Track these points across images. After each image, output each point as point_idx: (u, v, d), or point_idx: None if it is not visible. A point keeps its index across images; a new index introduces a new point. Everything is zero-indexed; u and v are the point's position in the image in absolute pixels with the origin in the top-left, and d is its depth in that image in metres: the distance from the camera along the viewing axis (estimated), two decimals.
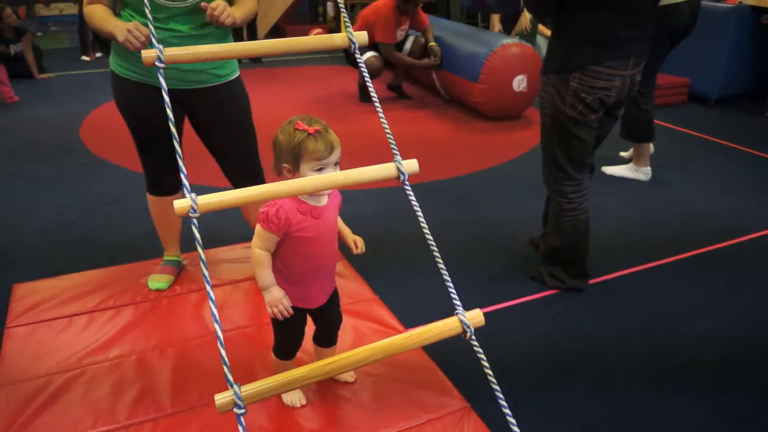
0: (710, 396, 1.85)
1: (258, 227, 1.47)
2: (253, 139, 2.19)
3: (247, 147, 2.19)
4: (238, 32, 5.81)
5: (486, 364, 1.02)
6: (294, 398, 1.72)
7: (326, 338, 1.77)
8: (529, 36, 5.42)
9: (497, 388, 0.96)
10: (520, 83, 4.38)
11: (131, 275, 2.36)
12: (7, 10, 5.67)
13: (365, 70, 1.29)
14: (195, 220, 0.96)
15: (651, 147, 3.53)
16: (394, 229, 2.88)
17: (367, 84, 1.25)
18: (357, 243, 1.63)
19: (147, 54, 1.11)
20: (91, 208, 3.10)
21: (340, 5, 1.31)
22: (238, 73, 2.14)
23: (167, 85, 2.00)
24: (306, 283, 1.55)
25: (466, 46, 4.65)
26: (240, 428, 0.85)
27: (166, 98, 1.09)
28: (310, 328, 1.72)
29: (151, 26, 1.24)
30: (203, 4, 1.84)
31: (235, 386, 0.91)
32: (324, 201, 1.51)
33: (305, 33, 7.61)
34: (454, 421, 1.67)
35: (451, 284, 1.15)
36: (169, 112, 1.08)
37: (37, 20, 9.32)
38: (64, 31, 7.23)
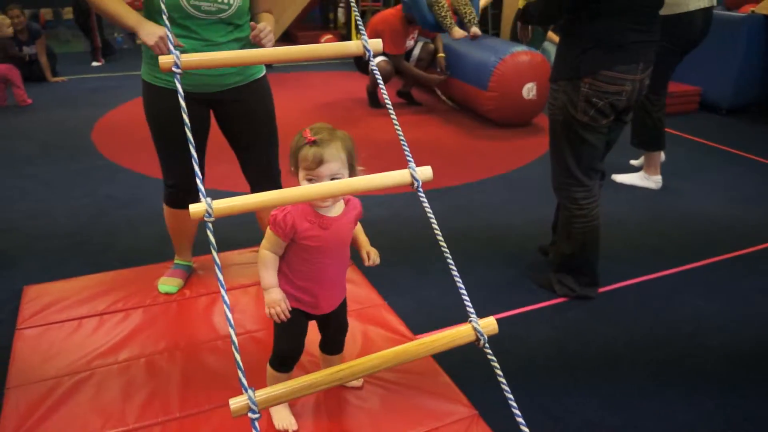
0: (722, 407, 1.83)
1: (268, 229, 1.48)
2: (274, 138, 2.21)
3: (268, 146, 2.21)
4: None
5: (499, 372, 1.01)
6: (285, 422, 1.66)
7: (333, 346, 1.76)
8: (536, 41, 5.43)
9: (510, 396, 0.96)
10: (529, 91, 4.38)
11: (141, 278, 2.37)
12: (14, 10, 5.70)
13: (379, 77, 1.29)
14: (210, 225, 0.97)
15: (662, 155, 3.51)
16: (403, 235, 2.88)
17: (381, 90, 1.26)
18: (370, 255, 1.59)
19: (164, 60, 1.12)
20: (102, 211, 3.12)
21: (355, 14, 1.31)
22: (264, 72, 2.16)
23: (196, 89, 2.04)
24: (311, 290, 1.54)
25: (476, 54, 4.65)
26: None
27: (183, 104, 1.09)
28: (311, 340, 1.73)
29: (170, 33, 1.25)
30: (252, 23, 1.91)
31: (249, 390, 0.91)
32: (336, 211, 1.49)
33: (316, 39, 7.64)
34: (462, 428, 1.66)
35: (464, 291, 1.14)
36: (185, 116, 1.09)
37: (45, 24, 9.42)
38: (77, 35, 7.30)
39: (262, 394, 0.91)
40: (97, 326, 2.09)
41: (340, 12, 8.82)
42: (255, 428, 0.84)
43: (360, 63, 5.33)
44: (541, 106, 4.54)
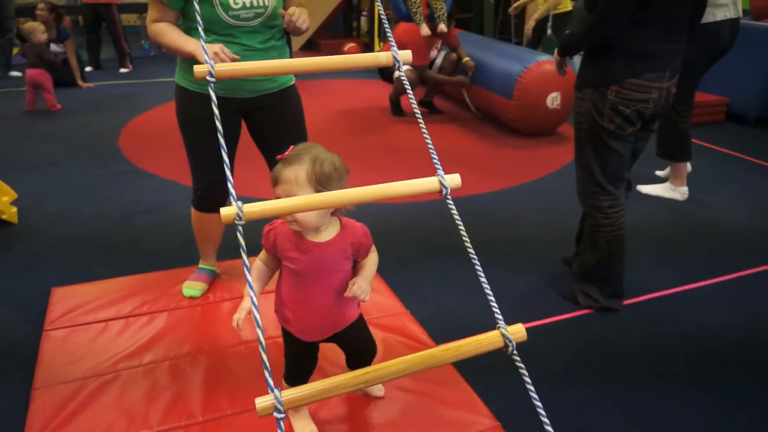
0: (749, 422, 1.80)
1: None
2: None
3: None
4: None
5: (528, 380, 1.01)
6: (306, 430, 1.65)
7: (354, 366, 1.73)
8: (550, 46, 5.40)
9: (539, 404, 0.95)
10: (553, 100, 4.36)
11: (166, 282, 2.40)
12: (40, 5, 5.84)
13: (408, 85, 1.30)
14: (240, 228, 0.98)
15: (688, 166, 3.47)
16: (425, 243, 2.87)
17: (409, 97, 1.26)
18: (353, 284, 1.43)
19: (199, 69, 1.14)
20: (128, 215, 3.16)
21: (385, 25, 1.32)
22: (294, 80, 2.19)
23: (229, 94, 2.06)
24: (297, 315, 1.50)
25: (500, 63, 4.64)
26: None
27: (216, 111, 1.10)
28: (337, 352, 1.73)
29: (202, 41, 1.27)
30: (281, 10, 1.94)
31: (275, 390, 0.92)
32: (323, 237, 1.42)
33: (339, 47, 7.70)
34: None
35: (492, 297, 1.14)
36: (218, 124, 1.10)
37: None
38: (107, 42, 7.43)
39: (288, 394, 0.92)
40: (123, 329, 2.11)
41: (363, 21, 8.87)
42: (280, 428, 0.85)
43: (384, 72, 5.35)
44: (565, 115, 4.51)
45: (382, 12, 1.40)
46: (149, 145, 4.33)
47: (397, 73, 1.35)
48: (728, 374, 2.01)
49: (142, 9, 9.13)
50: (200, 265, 2.42)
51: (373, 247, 1.52)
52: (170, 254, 2.72)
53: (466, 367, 1.87)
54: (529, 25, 5.95)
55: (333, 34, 8.87)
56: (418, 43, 4.73)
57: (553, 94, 4.35)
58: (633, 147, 2.21)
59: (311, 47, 8.09)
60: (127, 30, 8.42)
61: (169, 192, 3.45)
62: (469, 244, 1.15)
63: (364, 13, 8.77)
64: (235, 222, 0.99)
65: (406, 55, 1.28)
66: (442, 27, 4.65)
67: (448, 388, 1.85)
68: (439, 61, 5.07)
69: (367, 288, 1.44)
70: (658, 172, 3.74)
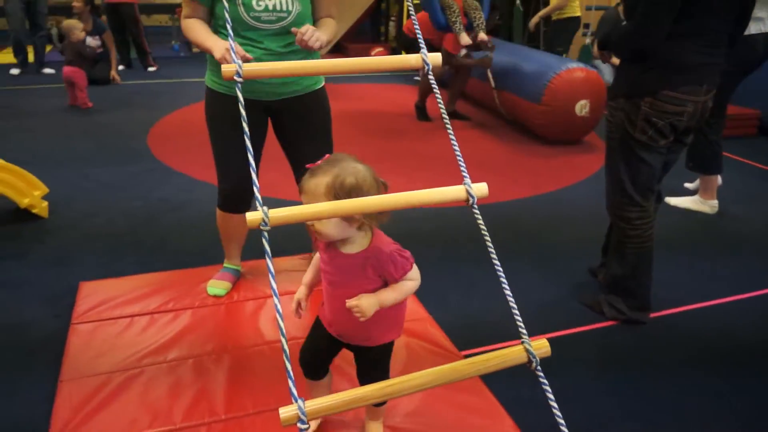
0: None
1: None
2: (329, 148, 2.24)
3: (322, 156, 2.22)
4: None
5: (551, 396, 0.99)
6: None
7: (361, 383, 1.68)
8: (583, 57, 5.35)
9: (562, 422, 0.94)
10: (582, 108, 4.32)
11: (191, 280, 2.42)
12: None
13: (435, 85, 1.29)
14: (266, 233, 0.99)
15: (719, 179, 3.41)
16: (450, 249, 2.86)
17: (437, 98, 1.26)
18: (351, 302, 1.37)
19: (227, 69, 1.15)
20: (155, 213, 3.20)
21: (417, 33, 1.32)
22: (323, 83, 2.19)
23: (254, 96, 2.07)
24: (327, 306, 1.52)
25: (529, 68, 4.62)
26: None
27: (243, 112, 1.12)
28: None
29: (231, 41, 1.29)
30: (293, 29, 1.91)
31: (299, 401, 0.92)
32: (348, 249, 1.40)
33: (366, 52, 7.73)
34: None
35: (516, 309, 1.13)
36: (245, 125, 1.12)
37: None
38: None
39: (312, 404, 0.92)
40: (148, 325, 2.14)
41: (391, 26, 8.89)
42: None
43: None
44: (593, 124, 4.46)
45: (412, 11, 1.40)
46: (177, 143, 4.38)
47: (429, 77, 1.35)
48: (758, 391, 1.97)
49: (172, 10, 9.28)
50: (225, 265, 2.44)
51: (412, 277, 1.42)
52: (195, 252, 2.75)
53: (490, 375, 1.85)
54: (534, 21, 5.95)
55: (361, 38, 8.91)
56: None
57: (582, 102, 4.31)
58: (664, 159, 2.18)
59: (338, 51, 8.13)
60: (158, 30, 8.58)
61: (196, 191, 3.49)
62: (494, 254, 1.14)
63: (393, 18, 8.79)
64: (261, 227, 0.99)
65: (436, 57, 1.28)
66: (483, 36, 4.60)
67: (473, 395, 1.83)
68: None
69: (367, 308, 1.35)
70: (688, 185, 3.68)
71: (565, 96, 4.30)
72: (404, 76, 7.13)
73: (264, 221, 0.98)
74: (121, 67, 6.84)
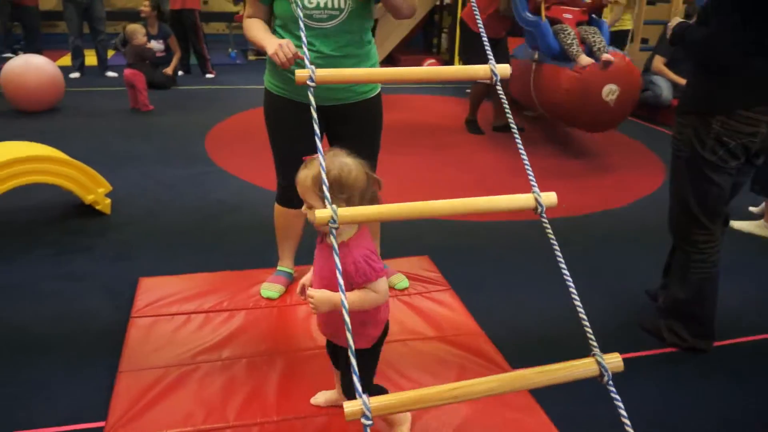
0: None
1: None
2: (374, 156, 2.27)
3: (371, 162, 2.26)
4: None
5: (624, 413, 0.97)
6: None
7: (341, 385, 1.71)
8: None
9: None
10: (610, 93, 4.13)
11: (245, 282, 2.46)
12: (145, 3, 6.28)
13: (503, 96, 1.29)
14: (334, 231, 1.01)
15: None
16: (503, 263, 2.83)
17: (506, 111, 1.25)
18: (307, 291, 1.42)
19: (300, 74, 1.18)
20: (212, 214, 3.27)
21: (485, 41, 1.32)
22: (378, 91, 2.21)
23: (306, 100, 2.09)
24: None
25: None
26: None
27: (314, 114, 1.14)
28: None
29: (305, 48, 1.31)
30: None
31: (363, 396, 0.92)
32: (332, 241, 1.40)
33: (418, 63, 7.76)
34: None
35: (587, 323, 1.11)
36: (316, 128, 1.14)
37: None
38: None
39: (376, 402, 0.92)
40: (203, 323, 2.18)
41: (443, 37, 8.90)
42: None
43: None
44: (619, 117, 4.27)
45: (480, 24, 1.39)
46: (233, 148, 4.48)
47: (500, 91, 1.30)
48: None
49: (230, 18, 9.53)
50: (279, 268, 2.48)
51: (376, 289, 1.39)
52: (250, 254, 2.79)
53: (541, 393, 1.81)
54: None
55: (413, 50, 8.95)
56: (490, 14, 4.61)
57: (611, 87, 4.12)
58: (734, 180, 2.10)
59: (390, 62, 8.18)
60: (215, 38, 8.81)
61: (251, 194, 3.55)
62: (564, 266, 1.13)
63: (445, 30, 8.81)
64: (329, 225, 1.02)
65: (505, 69, 1.27)
66: (607, 57, 4.26)
67: (523, 413, 1.80)
68: None
69: (319, 302, 1.37)
70: (752, 209, 3.55)
71: (595, 75, 4.09)
72: (457, 87, 7.12)
73: (333, 219, 1.00)
74: (180, 73, 7.04)
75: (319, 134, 1.16)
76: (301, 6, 1.95)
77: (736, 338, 2.32)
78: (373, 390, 1.57)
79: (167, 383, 1.85)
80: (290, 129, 2.17)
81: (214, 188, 3.66)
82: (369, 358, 1.55)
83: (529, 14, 4.48)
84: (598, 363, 1.03)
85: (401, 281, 2.46)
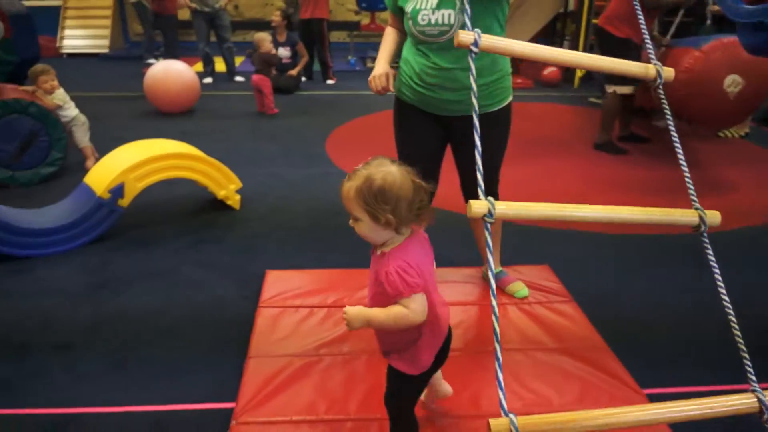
0: None
1: None
2: (497, 167, 2.27)
3: (490, 174, 2.24)
4: None
5: None
6: None
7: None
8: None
9: None
10: (732, 84, 3.75)
11: (365, 280, 2.49)
12: (276, 13, 6.66)
13: (666, 106, 1.22)
14: (489, 225, 0.98)
15: None
16: (627, 277, 2.69)
17: (664, 109, 1.19)
18: (344, 314, 1.39)
19: (465, 36, 1.09)
20: (333, 213, 3.37)
21: (645, 36, 1.26)
22: (505, 105, 2.19)
23: (431, 111, 2.12)
24: None
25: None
26: None
27: (476, 122, 1.08)
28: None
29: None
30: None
31: (510, 415, 0.90)
32: (379, 250, 1.38)
33: (538, 71, 7.60)
34: None
35: (746, 354, 1.02)
36: (477, 138, 1.09)
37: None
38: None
39: (525, 421, 0.90)
40: (325, 317, 2.25)
41: (565, 45, 8.64)
42: None
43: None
44: (737, 114, 3.87)
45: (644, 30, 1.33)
46: (353, 150, 4.60)
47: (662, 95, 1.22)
48: None
49: (351, 27, 9.81)
50: None
51: (408, 305, 1.31)
52: (369, 254, 2.84)
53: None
54: None
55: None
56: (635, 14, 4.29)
57: (734, 77, 3.76)
58: None
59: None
60: (336, 46, 9.10)
61: None
62: (722, 288, 1.05)
63: (568, 38, 8.55)
64: (485, 219, 0.99)
65: (670, 72, 1.21)
66: None
67: None
68: None
69: (352, 318, 1.34)
70: None
71: (716, 64, 3.77)
72: (577, 96, 6.89)
73: (489, 212, 0.98)
74: (303, 79, 7.33)
75: (479, 144, 1.09)
76: (414, 23, 2.02)
77: None
78: (406, 419, 1.52)
79: (292, 372, 1.93)
80: (414, 135, 2.23)
81: (334, 188, 3.72)
82: (414, 386, 1.49)
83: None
84: (760, 400, 0.94)
85: (521, 290, 2.41)
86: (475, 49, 1.09)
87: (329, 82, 7.52)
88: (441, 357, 1.47)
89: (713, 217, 1.08)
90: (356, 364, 1.98)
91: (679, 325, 2.32)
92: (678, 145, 1.14)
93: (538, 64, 8.01)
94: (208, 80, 7.35)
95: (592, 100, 6.69)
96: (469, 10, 1.06)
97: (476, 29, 1.09)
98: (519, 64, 8.01)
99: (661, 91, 1.22)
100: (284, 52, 6.72)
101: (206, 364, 2.05)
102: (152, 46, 8.68)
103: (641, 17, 1.33)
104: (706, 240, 1.05)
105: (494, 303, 0.97)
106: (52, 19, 9.60)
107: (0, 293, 2.47)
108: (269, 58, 5.94)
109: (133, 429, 1.76)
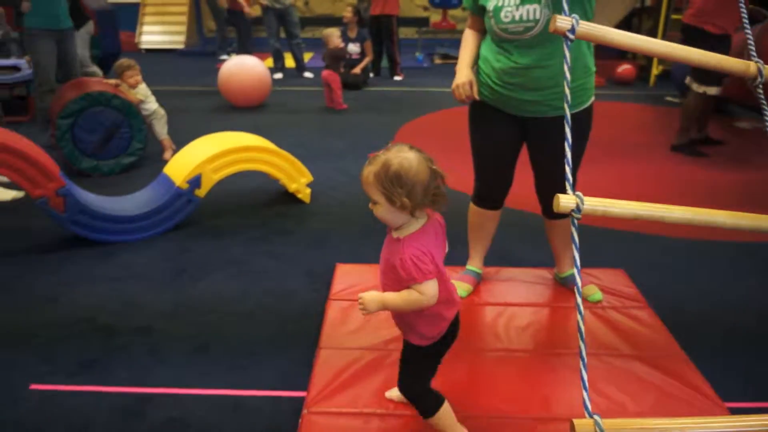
0: None
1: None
2: (574, 170, 2.20)
3: (562, 181, 2.19)
4: None
5: None
6: None
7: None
8: None
9: None
10: None
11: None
12: (348, 9, 6.77)
13: (766, 106, 1.16)
14: (575, 221, 0.95)
15: None
16: (706, 285, 2.58)
17: (767, 119, 1.13)
18: (360, 299, 1.47)
19: (562, 21, 1.04)
20: None
21: (747, 33, 1.20)
22: (587, 106, 2.14)
23: (509, 111, 2.10)
24: None
25: None
26: None
27: (567, 112, 1.04)
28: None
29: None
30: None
31: (595, 416, 0.88)
32: (396, 234, 1.44)
33: (612, 68, 7.38)
34: None
35: None
36: (568, 131, 1.06)
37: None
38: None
39: (610, 424, 0.88)
40: None
41: None
42: None
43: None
44: None
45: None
46: (421, 146, 4.56)
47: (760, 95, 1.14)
48: None
49: (420, 23, 9.80)
50: (467, 267, 2.49)
51: (422, 291, 1.38)
52: None
53: None
54: None
55: (606, 54, 8.49)
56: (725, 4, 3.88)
57: None
58: None
59: None
60: (405, 42, 9.11)
61: None
62: None
63: (644, 35, 8.26)
64: (572, 214, 0.96)
65: None
66: None
67: None
68: None
69: (368, 302, 1.42)
70: None
71: None
72: (653, 96, 6.65)
73: (578, 207, 0.95)
74: (371, 75, 7.38)
75: (569, 136, 1.04)
76: (496, 21, 1.98)
77: None
78: (426, 394, 1.57)
79: (362, 365, 1.95)
80: (490, 134, 2.22)
81: None
82: (423, 357, 1.55)
83: None
84: None
85: (594, 293, 2.35)
86: (571, 36, 1.04)
87: (397, 78, 7.54)
88: (448, 340, 1.57)
89: None
90: None
91: (766, 336, 2.21)
92: None
93: (612, 62, 7.77)
94: (279, 75, 7.50)
95: (669, 99, 6.44)
96: (566, 7, 1.03)
97: (574, 15, 1.04)
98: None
99: (761, 91, 1.16)
100: (354, 48, 6.81)
101: (278, 353, 2.11)
102: (225, 43, 8.93)
103: (746, 17, 1.27)
104: None
105: (579, 301, 0.95)
106: (131, 16, 10.04)
107: (88, 277, 2.61)
108: (338, 53, 6.01)
109: (211, 411, 1.83)
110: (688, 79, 4.35)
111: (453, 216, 3.25)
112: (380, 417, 1.74)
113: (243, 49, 7.91)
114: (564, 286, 2.43)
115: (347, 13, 6.79)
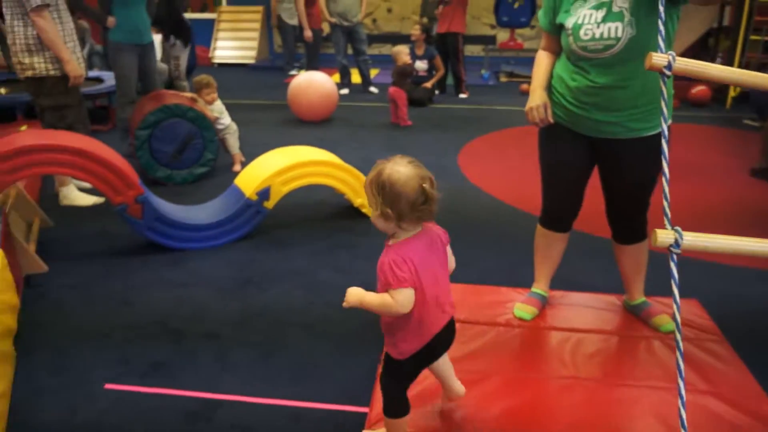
0: None
1: None
2: (644, 199, 2.16)
3: (635, 204, 2.18)
4: None
5: None
6: None
7: None
8: None
9: None
10: None
11: (497, 297, 2.47)
12: (416, 27, 6.82)
13: None
14: (675, 257, 0.93)
15: None
16: None
17: None
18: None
19: (658, 59, 1.04)
20: (464, 228, 3.36)
21: None
22: (659, 131, 2.06)
23: (579, 130, 2.06)
24: None
25: None
26: None
27: (664, 144, 1.04)
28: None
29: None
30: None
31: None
32: (389, 242, 1.52)
33: (685, 90, 7.13)
34: None
35: None
36: (664, 143, 1.04)
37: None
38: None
39: None
40: (458, 333, 2.22)
41: (717, 62, 8.04)
42: None
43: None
44: None
45: None
46: (486, 165, 4.56)
47: None
48: None
49: (487, 41, 9.76)
50: (533, 289, 2.44)
51: (395, 297, 1.45)
52: (502, 272, 2.81)
53: None
54: None
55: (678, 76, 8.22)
56: None
57: None
58: None
59: None
60: (470, 59, 9.10)
61: (503, 213, 3.57)
62: None
63: (720, 55, 7.95)
64: (671, 250, 0.93)
65: None
66: None
67: None
68: None
69: (350, 295, 1.49)
70: None
71: None
72: (730, 118, 6.38)
73: (676, 242, 0.92)
74: (436, 92, 7.40)
75: (666, 170, 1.02)
76: (575, 38, 1.95)
77: None
78: (397, 398, 1.59)
79: (424, 385, 1.93)
80: (561, 154, 2.18)
81: (466, 202, 3.76)
82: (397, 370, 1.58)
83: None
84: None
85: (667, 323, 2.26)
86: (668, 73, 1.03)
87: (462, 96, 7.53)
88: (424, 356, 1.58)
89: None
90: (486, 384, 1.94)
91: None
92: None
93: (686, 84, 7.51)
94: (345, 91, 7.62)
95: (748, 122, 6.17)
96: (662, 29, 1.01)
97: (671, 52, 1.02)
98: None
99: None
100: (421, 65, 6.88)
101: (340, 366, 2.12)
102: (292, 58, 9.16)
103: None
104: None
105: (679, 338, 0.92)
106: (206, 31, 10.46)
107: (160, 282, 2.72)
108: (406, 70, 6.06)
109: (274, 421, 1.86)
110: None
111: (513, 235, 3.23)
112: None
113: (311, 65, 8.09)
114: (633, 313, 2.35)
115: (415, 31, 6.88)
